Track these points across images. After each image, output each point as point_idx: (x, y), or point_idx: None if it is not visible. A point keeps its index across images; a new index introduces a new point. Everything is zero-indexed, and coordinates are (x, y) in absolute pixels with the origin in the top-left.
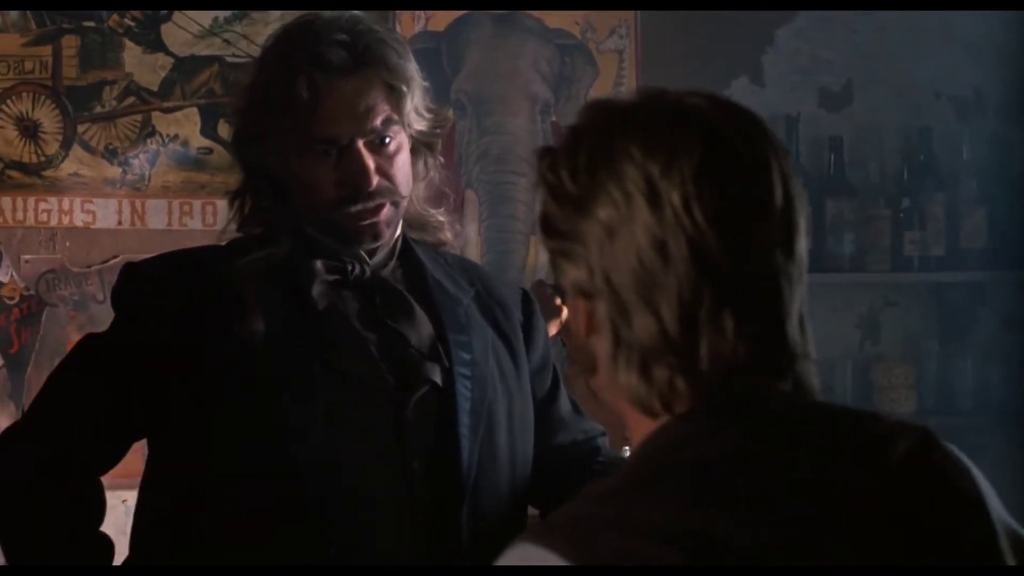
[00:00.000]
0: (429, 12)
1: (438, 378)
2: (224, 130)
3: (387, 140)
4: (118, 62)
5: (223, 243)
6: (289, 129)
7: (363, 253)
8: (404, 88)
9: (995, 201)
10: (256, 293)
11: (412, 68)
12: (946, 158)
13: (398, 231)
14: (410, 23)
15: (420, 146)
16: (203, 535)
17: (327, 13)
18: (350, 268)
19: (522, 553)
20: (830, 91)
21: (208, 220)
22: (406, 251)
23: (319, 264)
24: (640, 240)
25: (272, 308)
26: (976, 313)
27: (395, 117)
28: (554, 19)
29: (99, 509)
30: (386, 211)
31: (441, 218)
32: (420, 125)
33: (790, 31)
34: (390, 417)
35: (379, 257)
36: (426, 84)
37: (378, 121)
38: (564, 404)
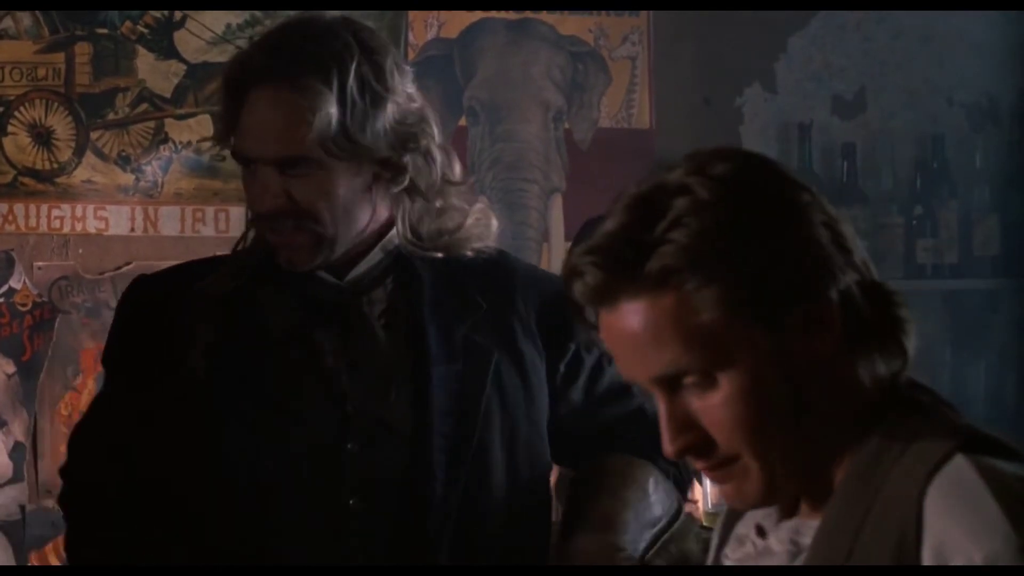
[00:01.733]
0: (442, 19)
1: (395, 418)
2: None
3: (296, 168)
4: (131, 69)
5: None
6: (223, 136)
7: (329, 279)
8: (308, 113)
9: (1008, 209)
10: (208, 318)
11: (334, 88)
12: (959, 166)
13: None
14: (423, 30)
15: (378, 168)
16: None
17: (301, 16)
18: (310, 293)
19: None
20: (843, 99)
21: (221, 227)
22: (404, 269)
23: (274, 289)
24: None
25: (225, 332)
26: (989, 320)
27: (304, 147)
28: (567, 26)
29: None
30: (304, 237)
31: (464, 232)
32: (360, 153)
33: (803, 38)
34: (330, 457)
35: (357, 276)
36: (399, 101)
37: (279, 148)
38: (597, 395)
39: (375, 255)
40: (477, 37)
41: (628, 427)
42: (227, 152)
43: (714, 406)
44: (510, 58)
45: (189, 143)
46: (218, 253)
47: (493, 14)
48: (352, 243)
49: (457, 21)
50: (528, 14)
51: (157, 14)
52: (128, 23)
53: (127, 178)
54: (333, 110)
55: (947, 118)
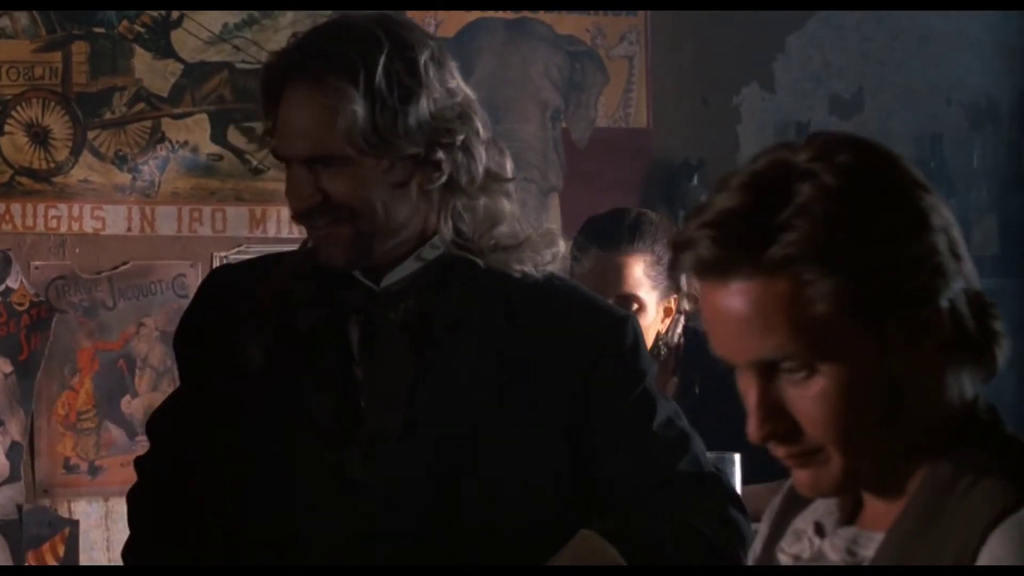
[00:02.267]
0: (440, 18)
1: (390, 432)
2: (234, 136)
3: (329, 164)
4: (128, 68)
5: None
6: (268, 133)
7: (364, 281)
8: (336, 107)
9: (1007, 208)
10: (260, 316)
11: (360, 85)
12: (957, 165)
13: (426, 254)
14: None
15: (413, 164)
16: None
17: (330, 18)
18: (343, 295)
19: None
20: (841, 98)
21: (218, 227)
22: (440, 281)
23: (309, 289)
24: None
25: (268, 331)
26: None
27: (335, 144)
28: (564, 25)
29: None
30: (342, 231)
31: (519, 246)
32: (389, 149)
33: (801, 38)
34: (338, 464)
35: (391, 283)
36: (424, 98)
37: (309, 145)
38: (635, 448)
39: (410, 264)
40: (474, 36)
41: (686, 486)
42: (224, 153)
43: (809, 397)
44: (508, 57)
45: (186, 142)
46: (279, 250)
47: (491, 13)
48: (394, 243)
49: (454, 20)
50: (526, 14)
51: (154, 13)
52: (125, 22)
53: (124, 177)
54: (359, 107)
55: (945, 118)
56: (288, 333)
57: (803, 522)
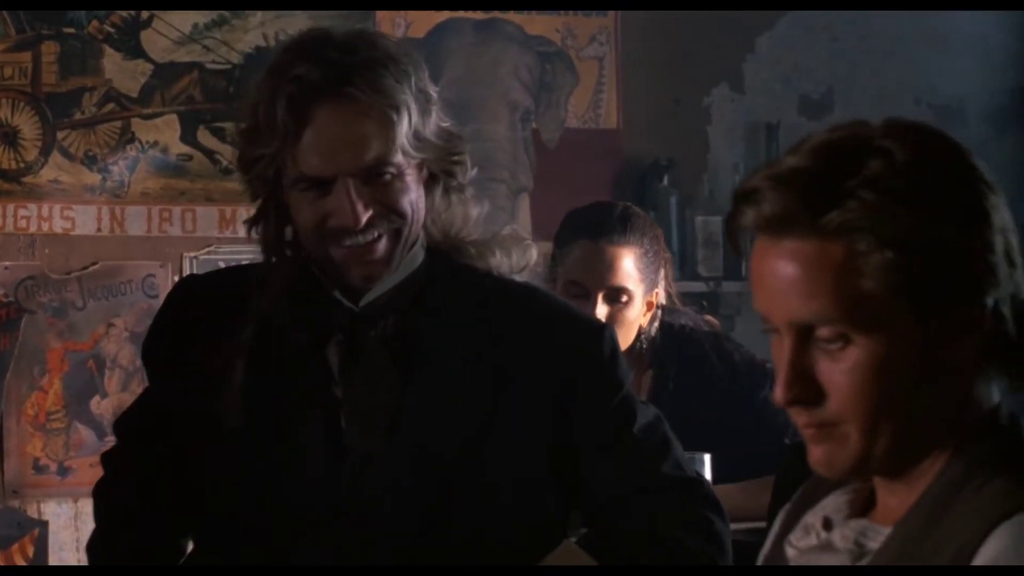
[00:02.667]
0: (410, 19)
1: (375, 451)
2: (204, 136)
3: (382, 174)
4: (98, 68)
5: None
6: (275, 156)
7: (345, 302)
8: (393, 114)
9: None
10: (241, 337)
11: (408, 90)
12: None
13: (415, 260)
14: (390, 30)
15: (438, 174)
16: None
17: (331, 29)
18: (323, 318)
19: None
20: (811, 99)
21: (188, 227)
22: (418, 294)
23: (293, 312)
24: None
25: (248, 354)
26: None
27: (390, 152)
28: (534, 26)
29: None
30: (383, 244)
31: (487, 245)
32: (426, 151)
33: (771, 39)
34: (324, 490)
35: (371, 300)
36: (433, 106)
37: (368, 157)
38: (619, 454)
39: (390, 279)
40: (444, 37)
41: (662, 487)
42: (194, 153)
43: (840, 368)
44: (477, 58)
45: (156, 143)
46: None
47: (460, 14)
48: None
49: (424, 21)
50: (496, 14)
51: (124, 13)
52: (95, 22)
53: (93, 178)
54: (414, 112)
55: (915, 119)
56: (269, 356)
57: (813, 516)
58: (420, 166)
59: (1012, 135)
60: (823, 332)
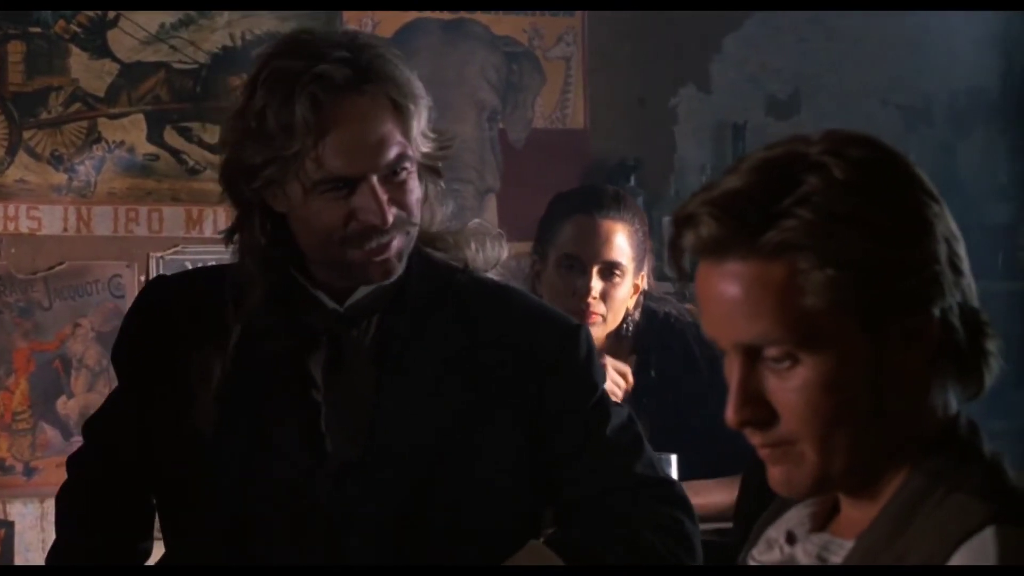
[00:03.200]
0: (377, 18)
1: (355, 453)
2: (170, 136)
3: (399, 172)
4: (64, 68)
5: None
6: (290, 159)
7: (328, 303)
8: (412, 107)
9: None
10: (223, 342)
11: (419, 84)
12: None
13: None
14: (357, 29)
15: (424, 170)
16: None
17: (320, 31)
18: (307, 320)
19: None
20: (777, 99)
21: (154, 227)
22: (399, 295)
23: (277, 315)
24: None
25: (231, 358)
26: None
27: (408, 147)
28: (501, 26)
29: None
30: (397, 243)
31: (462, 236)
32: (426, 147)
33: (737, 39)
34: (304, 494)
35: (356, 301)
36: (430, 103)
37: (392, 154)
38: (592, 453)
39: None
40: (412, 37)
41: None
42: (161, 153)
43: (790, 388)
44: (445, 58)
45: (122, 143)
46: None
47: (428, 14)
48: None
49: (392, 21)
50: (463, 14)
51: (91, 13)
52: (62, 22)
53: (60, 177)
54: (422, 104)
55: (881, 119)
56: (251, 360)
57: (775, 531)
58: (416, 162)
59: (978, 135)
60: (770, 352)
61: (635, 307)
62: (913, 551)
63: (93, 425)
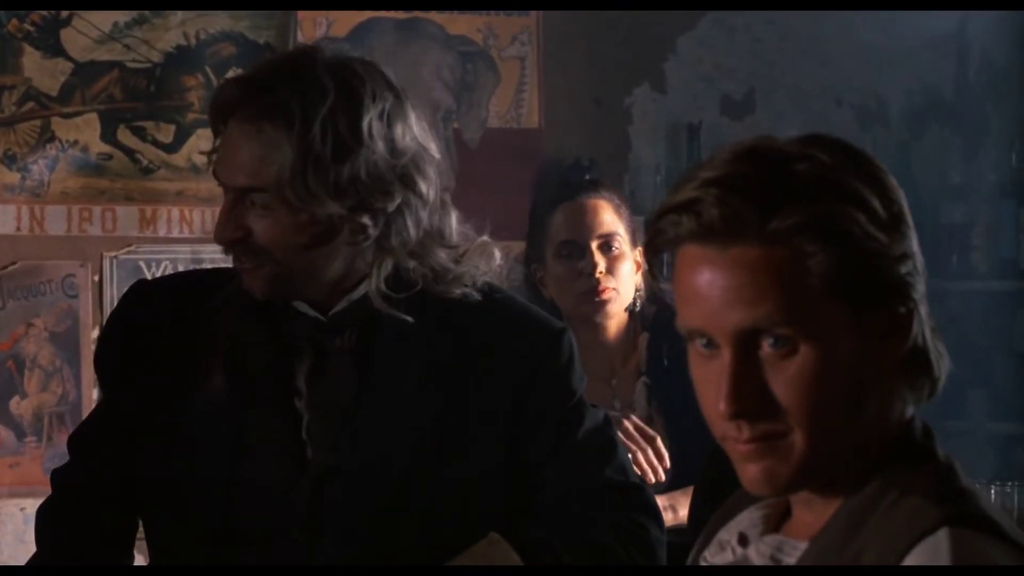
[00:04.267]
0: (332, 17)
1: (335, 461)
2: (124, 135)
3: (247, 200)
4: (17, 67)
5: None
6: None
7: (310, 313)
8: (268, 153)
9: None
10: (209, 349)
11: (288, 137)
12: None
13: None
14: (312, 29)
15: (333, 221)
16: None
17: (281, 52)
18: (289, 328)
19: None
20: (732, 99)
21: (108, 226)
22: (387, 299)
23: (256, 321)
24: None
25: (215, 364)
26: None
27: (259, 177)
28: (456, 26)
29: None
30: (262, 269)
31: (453, 275)
32: (339, 197)
33: (692, 39)
34: (287, 500)
35: (338, 311)
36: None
37: (240, 178)
38: (564, 457)
39: (353, 294)
40: (366, 36)
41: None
42: (115, 152)
43: (788, 375)
44: (399, 58)
45: (76, 142)
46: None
47: (382, 13)
48: (325, 283)
49: (346, 20)
50: (417, 14)
51: (44, 12)
52: (15, 21)
53: (13, 177)
54: (288, 158)
55: (836, 119)
56: (236, 370)
57: (727, 533)
58: (315, 214)
59: (932, 135)
60: (769, 339)
61: (642, 284)
62: (867, 552)
63: (79, 440)
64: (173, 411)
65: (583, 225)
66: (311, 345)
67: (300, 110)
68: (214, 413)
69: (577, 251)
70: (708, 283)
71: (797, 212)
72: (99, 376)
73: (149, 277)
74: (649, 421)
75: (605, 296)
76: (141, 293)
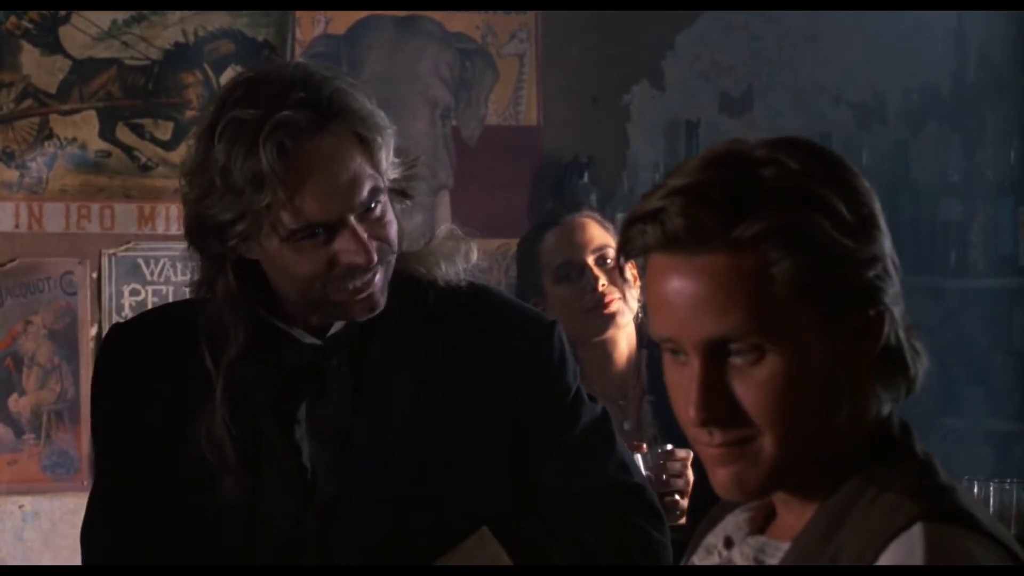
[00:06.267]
0: (330, 15)
1: (347, 488)
2: (122, 133)
3: (374, 207)
4: (15, 64)
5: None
6: (263, 212)
7: (307, 339)
8: (379, 139)
9: (894, 207)
10: (206, 391)
11: (381, 114)
12: None
13: None
14: (310, 26)
15: (394, 195)
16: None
17: (271, 71)
18: (288, 359)
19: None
20: (730, 96)
21: (106, 224)
22: (372, 320)
23: (255, 358)
24: None
25: (215, 404)
26: None
27: (379, 180)
28: (454, 23)
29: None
30: (379, 277)
31: (432, 257)
32: (394, 174)
33: (690, 36)
34: (293, 529)
35: (335, 333)
36: (393, 128)
37: (365, 192)
38: (563, 457)
39: None
40: (364, 34)
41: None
42: (113, 150)
43: (756, 382)
44: (397, 55)
45: (74, 139)
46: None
47: (381, 13)
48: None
49: (344, 18)
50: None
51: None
52: (13, 18)
53: (11, 174)
54: (388, 134)
55: (834, 116)
56: (237, 408)
57: (714, 537)
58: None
59: (930, 133)
60: (737, 346)
61: (639, 296)
62: (845, 550)
63: (93, 533)
64: (179, 455)
65: (575, 244)
66: (309, 370)
67: (369, 95)
68: (221, 451)
69: (575, 271)
70: (676, 292)
71: (761, 219)
72: (100, 439)
73: (147, 274)
74: (655, 440)
75: (612, 308)
76: (118, 340)
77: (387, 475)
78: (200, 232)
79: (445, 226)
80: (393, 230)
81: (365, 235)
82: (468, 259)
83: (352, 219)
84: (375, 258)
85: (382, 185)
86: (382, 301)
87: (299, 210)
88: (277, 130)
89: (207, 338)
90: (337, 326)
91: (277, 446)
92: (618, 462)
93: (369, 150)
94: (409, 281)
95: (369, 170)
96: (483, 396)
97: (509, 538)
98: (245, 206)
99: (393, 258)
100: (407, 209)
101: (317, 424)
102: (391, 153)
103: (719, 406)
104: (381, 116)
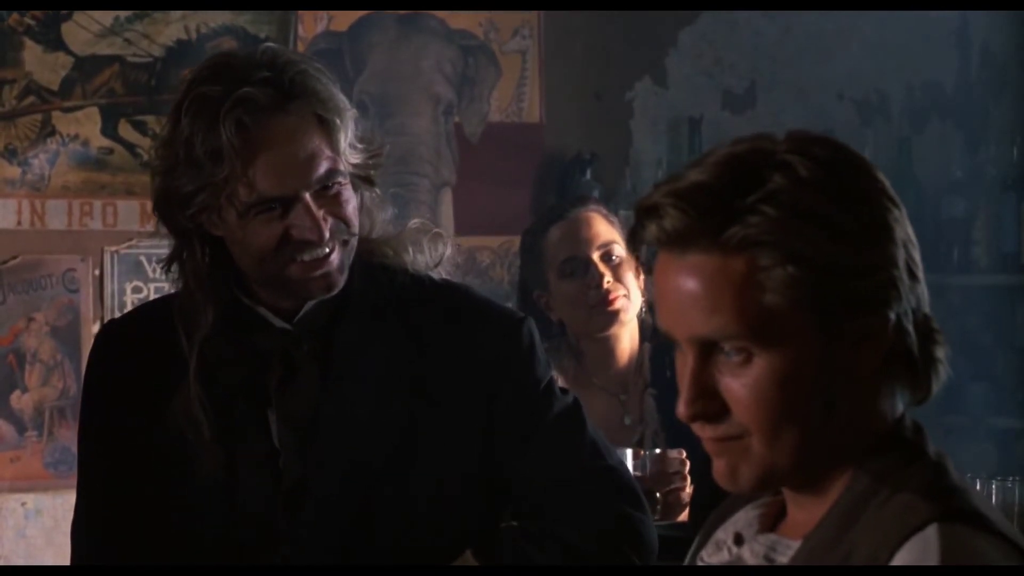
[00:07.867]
0: (332, 12)
1: (307, 471)
2: (124, 130)
3: (331, 186)
4: (18, 61)
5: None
6: (221, 184)
7: (276, 323)
8: (338, 121)
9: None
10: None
11: (342, 97)
12: None
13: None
14: (312, 23)
15: (357, 180)
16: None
17: (240, 52)
18: (258, 343)
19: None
20: (733, 93)
21: (108, 220)
22: (343, 306)
23: (224, 341)
24: None
25: (187, 394)
26: None
27: (337, 161)
28: (457, 20)
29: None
30: (336, 256)
31: (400, 242)
32: (355, 159)
33: (693, 33)
34: (264, 517)
35: (303, 316)
36: (356, 112)
37: (322, 170)
38: (537, 449)
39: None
40: (367, 31)
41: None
42: (115, 146)
43: (743, 383)
44: (400, 52)
45: (76, 136)
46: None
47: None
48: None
49: (347, 15)
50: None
51: None
52: (15, 15)
53: (13, 171)
54: (347, 116)
55: (837, 113)
56: (210, 389)
57: (724, 532)
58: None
59: (933, 130)
60: (725, 347)
61: (644, 291)
62: (858, 549)
63: (82, 534)
64: (161, 438)
65: (581, 239)
66: (279, 355)
67: (331, 80)
68: (197, 427)
69: (580, 266)
70: (671, 288)
71: (753, 225)
72: (89, 434)
73: (150, 271)
74: (658, 434)
75: (617, 305)
76: (110, 336)
77: (351, 463)
78: (166, 204)
79: (416, 221)
80: (350, 209)
81: (320, 212)
82: (436, 247)
83: (307, 196)
84: (327, 235)
85: (341, 167)
86: (340, 280)
87: (254, 184)
88: (237, 106)
89: (181, 317)
90: (304, 311)
91: (250, 425)
92: (590, 448)
93: (328, 131)
94: (378, 268)
95: (327, 151)
96: (453, 390)
97: (485, 540)
98: (205, 179)
99: (353, 240)
100: (379, 199)
101: (286, 408)
102: (351, 136)
103: (707, 403)
104: (343, 99)
